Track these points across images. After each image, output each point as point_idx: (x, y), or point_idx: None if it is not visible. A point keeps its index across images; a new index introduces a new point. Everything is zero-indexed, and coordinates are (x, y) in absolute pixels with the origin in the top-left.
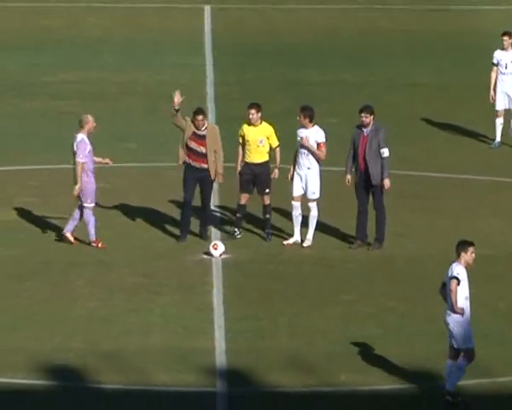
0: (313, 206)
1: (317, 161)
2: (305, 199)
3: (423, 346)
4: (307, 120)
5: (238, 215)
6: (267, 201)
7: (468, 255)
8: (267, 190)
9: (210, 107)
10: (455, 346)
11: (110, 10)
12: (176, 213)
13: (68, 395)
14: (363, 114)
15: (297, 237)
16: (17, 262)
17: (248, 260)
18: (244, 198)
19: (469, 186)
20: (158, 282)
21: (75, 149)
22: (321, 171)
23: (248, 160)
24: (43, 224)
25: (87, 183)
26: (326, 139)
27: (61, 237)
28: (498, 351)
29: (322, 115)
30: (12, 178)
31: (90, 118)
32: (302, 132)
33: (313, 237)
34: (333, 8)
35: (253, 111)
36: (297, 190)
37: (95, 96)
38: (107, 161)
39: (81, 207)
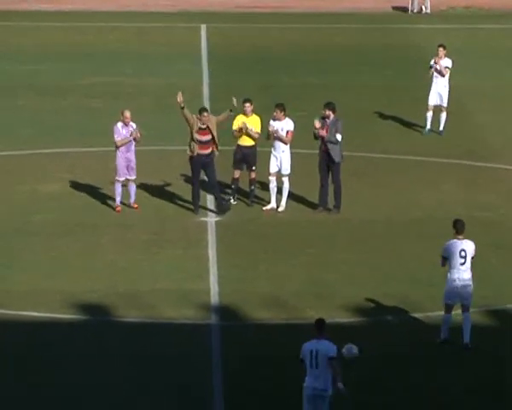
0: (286, 180)
1: (286, 145)
2: (279, 175)
3: (371, 288)
4: (282, 114)
5: (233, 187)
6: (253, 175)
7: None
8: (253, 168)
9: (205, 103)
10: (465, 303)
11: (126, 29)
12: (180, 186)
13: (93, 328)
14: (326, 109)
15: (273, 204)
16: (55, 224)
17: (236, 222)
18: (237, 173)
19: (406, 165)
20: (165, 238)
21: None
22: (291, 153)
23: (240, 143)
24: (74, 195)
25: (118, 159)
26: (294, 128)
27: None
28: (427, 292)
29: (293, 110)
30: (50, 159)
31: (124, 111)
32: (275, 124)
33: (286, 204)
34: (300, 26)
35: (247, 104)
36: (273, 168)
37: (116, 96)
38: (134, 135)
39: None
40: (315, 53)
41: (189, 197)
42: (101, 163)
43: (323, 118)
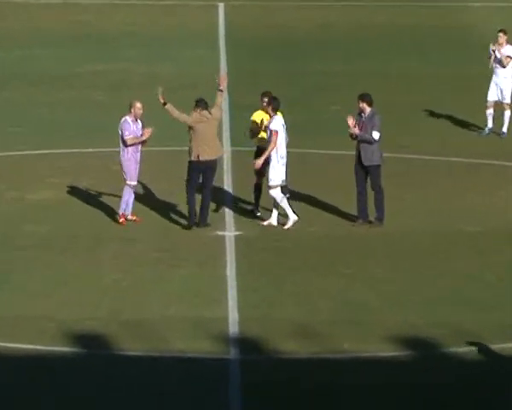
0: (273, 192)
1: (276, 151)
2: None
3: (419, 314)
4: (270, 107)
5: (255, 194)
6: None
7: None
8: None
9: (224, 96)
10: None
11: (132, 7)
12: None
13: (92, 362)
14: (360, 101)
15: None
16: (48, 237)
17: (259, 236)
18: (259, 179)
19: (455, 167)
20: (176, 256)
21: (120, 131)
22: (282, 159)
23: (261, 144)
24: (71, 203)
25: (127, 160)
26: (281, 128)
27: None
28: (482, 318)
29: (324, 103)
30: (44, 161)
31: (135, 102)
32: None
33: (291, 217)
34: (334, 4)
35: (266, 98)
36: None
37: (120, 86)
38: (145, 134)
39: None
40: (351, 35)
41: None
42: (102, 166)
43: (359, 113)
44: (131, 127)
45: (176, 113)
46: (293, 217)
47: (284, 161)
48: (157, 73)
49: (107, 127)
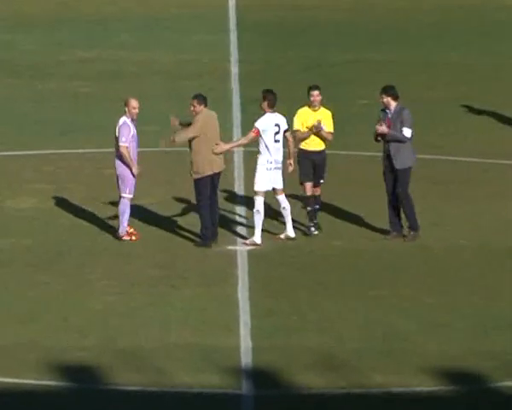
0: (255, 198)
1: (263, 153)
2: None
3: (462, 342)
4: (265, 104)
5: (309, 209)
6: (319, 191)
7: None
8: (322, 181)
9: (234, 88)
10: None
11: None
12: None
13: (81, 397)
14: (383, 95)
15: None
16: (31, 252)
17: (275, 250)
18: (309, 188)
19: (499, 171)
20: (178, 274)
21: (117, 133)
22: (270, 163)
23: (306, 147)
24: (57, 212)
25: (125, 170)
26: (269, 128)
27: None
28: None
29: (348, 97)
30: (27, 164)
31: (130, 100)
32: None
33: (258, 233)
34: None
35: (316, 92)
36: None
37: (113, 76)
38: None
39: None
40: (375, 19)
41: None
42: (94, 170)
43: (382, 110)
44: (130, 132)
45: (187, 135)
46: (256, 238)
47: (275, 166)
48: (154, 61)
49: (98, 125)
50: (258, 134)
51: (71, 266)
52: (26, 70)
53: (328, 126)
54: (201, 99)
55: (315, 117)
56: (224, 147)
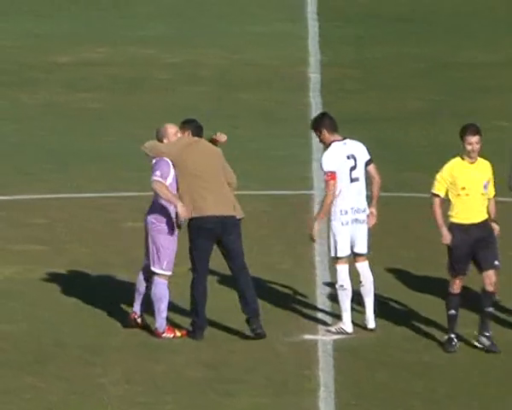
0: (337, 268)
1: (334, 204)
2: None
3: None
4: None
5: (451, 312)
6: (493, 278)
7: None
8: (496, 263)
9: (313, 102)
10: None
11: None
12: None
13: None
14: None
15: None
16: (16, 344)
17: (374, 344)
18: (459, 284)
19: None
20: (233, 377)
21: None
22: (334, 215)
23: (461, 221)
24: (50, 286)
25: (163, 231)
26: (332, 164)
27: (127, 323)
28: None
29: (489, 117)
30: (9, 214)
31: (167, 129)
32: None
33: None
34: None
35: (475, 139)
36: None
37: (133, 86)
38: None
39: (147, 273)
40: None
41: (288, 281)
42: (105, 221)
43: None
44: (170, 170)
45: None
46: (345, 325)
47: (353, 217)
48: (197, 64)
49: (110, 154)
50: (336, 177)
51: (72, 365)
52: (4, 76)
53: (489, 189)
54: (188, 127)
55: (476, 173)
56: (313, 225)
